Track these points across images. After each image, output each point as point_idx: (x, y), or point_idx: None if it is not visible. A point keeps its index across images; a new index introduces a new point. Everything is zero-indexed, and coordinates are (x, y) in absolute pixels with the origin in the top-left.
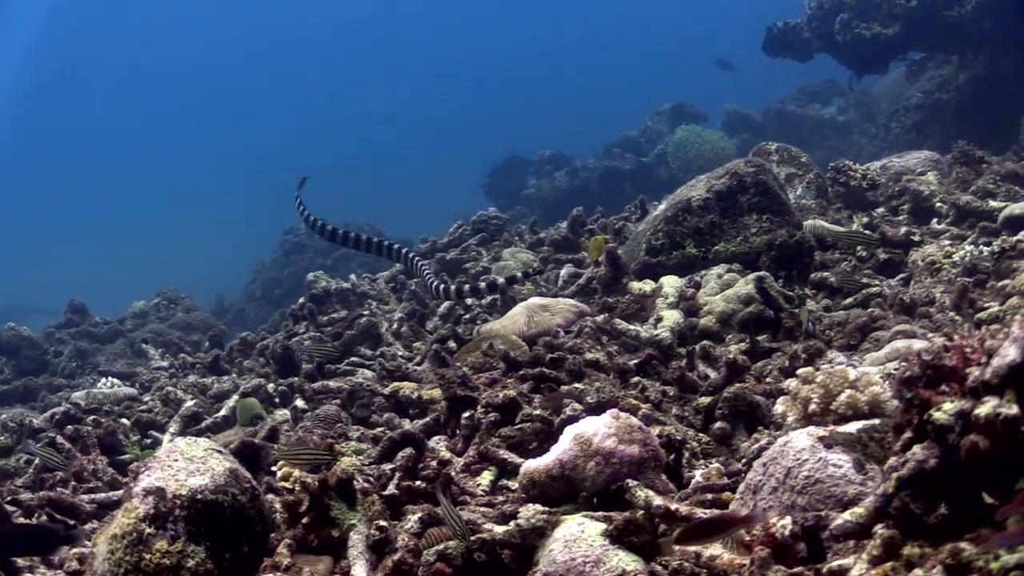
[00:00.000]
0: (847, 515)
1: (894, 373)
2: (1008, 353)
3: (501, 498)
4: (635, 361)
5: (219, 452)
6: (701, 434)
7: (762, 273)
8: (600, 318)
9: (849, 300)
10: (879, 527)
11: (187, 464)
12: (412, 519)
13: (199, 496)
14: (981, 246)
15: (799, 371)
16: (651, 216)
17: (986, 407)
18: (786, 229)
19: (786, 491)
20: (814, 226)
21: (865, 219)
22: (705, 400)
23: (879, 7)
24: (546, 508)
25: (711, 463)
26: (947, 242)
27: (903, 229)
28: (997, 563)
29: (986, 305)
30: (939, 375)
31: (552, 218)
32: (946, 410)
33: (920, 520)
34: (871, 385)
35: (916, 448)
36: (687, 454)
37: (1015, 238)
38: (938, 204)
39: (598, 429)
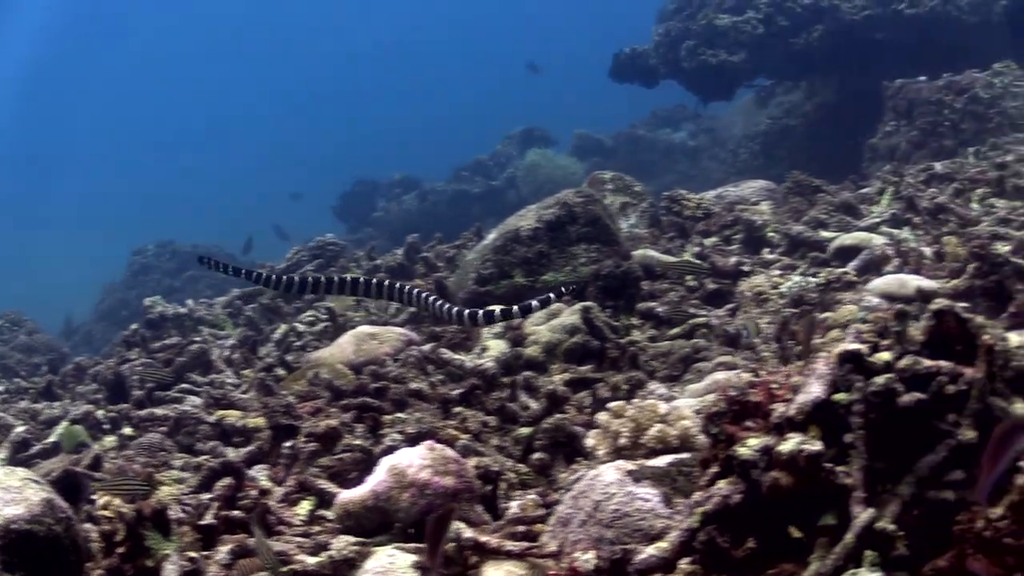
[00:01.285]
0: (651, 549)
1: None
2: (812, 390)
3: (317, 528)
4: (459, 391)
5: (36, 482)
6: (520, 465)
7: (588, 303)
8: (427, 347)
9: (676, 330)
10: (684, 561)
11: (3, 494)
12: (223, 550)
13: (13, 526)
14: (808, 277)
15: (610, 404)
16: (481, 245)
17: (789, 443)
18: (613, 259)
19: (595, 524)
20: (644, 256)
21: (696, 248)
22: (525, 431)
23: (725, 34)
24: (358, 539)
25: (528, 494)
26: (777, 272)
27: (733, 259)
28: None
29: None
30: (745, 411)
31: (401, 241)
32: (751, 446)
33: (728, 554)
34: (681, 419)
35: (721, 483)
36: (504, 485)
37: (840, 270)
38: (770, 234)
39: (413, 460)
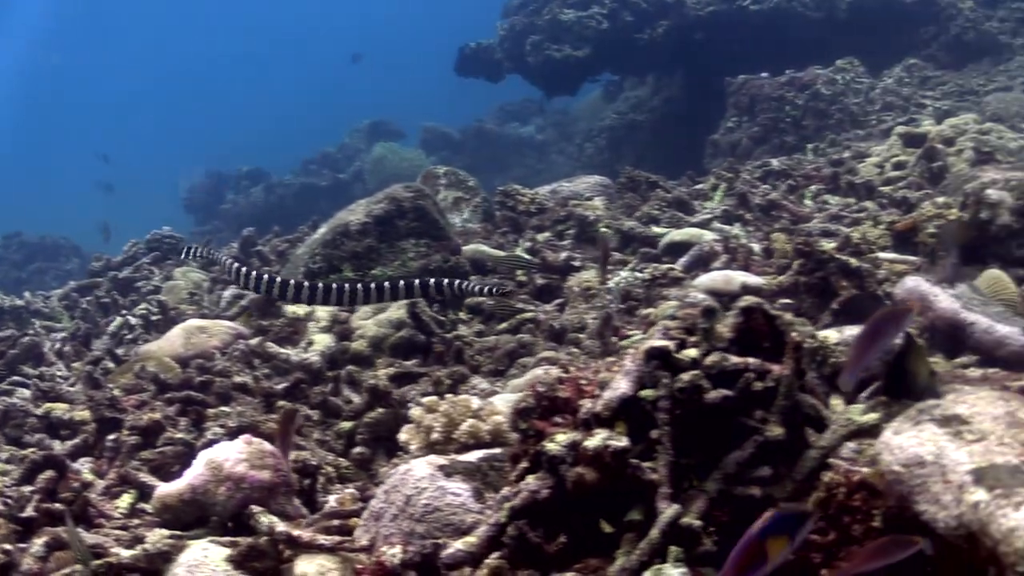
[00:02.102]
0: (459, 544)
1: None
2: (619, 386)
3: (137, 521)
4: (284, 385)
5: None
6: (341, 459)
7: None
8: (254, 341)
9: (503, 325)
10: (493, 556)
11: None
12: (37, 543)
13: None
14: (635, 272)
15: (423, 399)
16: (311, 240)
17: (595, 439)
18: (442, 254)
19: (406, 519)
20: (475, 250)
21: (528, 243)
22: (347, 425)
23: (570, 29)
24: (173, 532)
25: (346, 489)
26: (609, 267)
27: (563, 254)
28: None
29: (630, 333)
30: (554, 406)
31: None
32: (559, 441)
33: (538, 549)
34: (494, 414)
35: (530, 478)
36: (323, 479)
37: (666, 266)
38: (603, 229)
39: (230, 454)
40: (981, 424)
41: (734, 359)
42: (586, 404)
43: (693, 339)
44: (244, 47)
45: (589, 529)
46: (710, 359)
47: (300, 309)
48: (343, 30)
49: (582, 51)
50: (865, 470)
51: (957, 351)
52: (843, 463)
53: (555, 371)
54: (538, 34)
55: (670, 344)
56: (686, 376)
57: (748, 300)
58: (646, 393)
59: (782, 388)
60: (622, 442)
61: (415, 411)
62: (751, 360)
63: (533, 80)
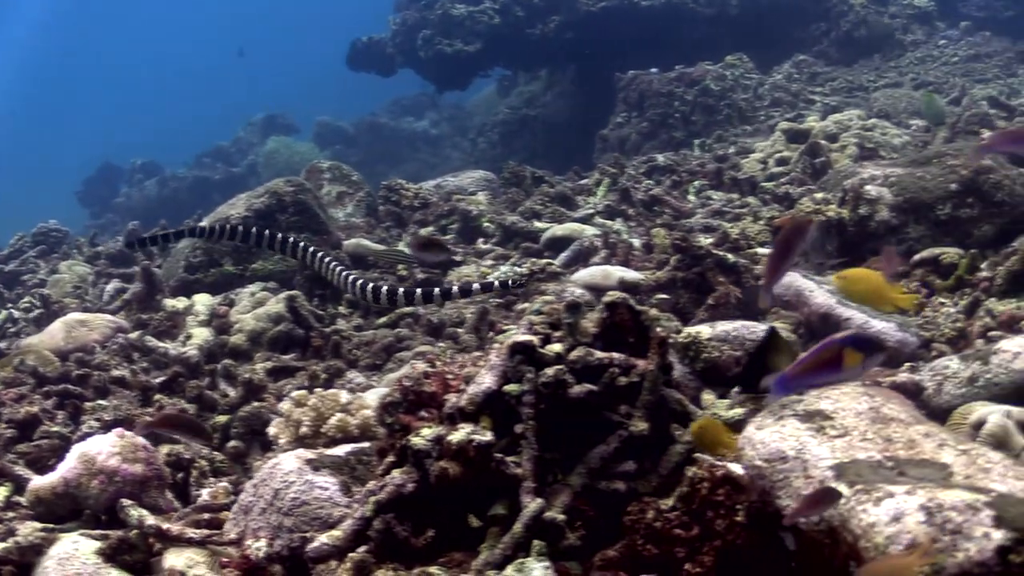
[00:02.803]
0: (324, 538)
1: None
2: (484, 381)
3: (12, 514)
4: (162, 379)
5: None
6: (216, 453)
7: (293, 292)
8: (133, 335)
9: (383, 320)
10: (361, 550)
11: None
12: None
13: None
14: (515, 267)
15: (292, 393)
16: None
17: (459, 434)
18: (323, 248)
19: (274, 512)
20: (356, 245)
21: (409, 237)
22: (222, 419)
23: (462, 24)
24: (45, 525)
25: (220, 482)
26: (490, 262)
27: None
28: None
29: (505, 328)
30: (420, 401)
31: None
32: (424, 436)
33: (405, 543)
34: (363, 408)
35: (396, 472)
36: (195, 473)
37: (544, 260)
38: (486, 224)
39: (103, 448)
40: (844, 420)
41: (599, 354)
42: (451, 399)
43: (558, 334)
44: (143, 38)
45: (457, 523)
46: (574, 354)
47: (180, 303)
48: (240, 22)
49: (473, 46)
50: (730, 465)
51: None
52: (709, 458)
53: (421, 365)
54: (429, 28)
55: (534, 339)
56: (550, 371)
57: (613, 295)
58: (510, 388)
59: (647, 383)
60: (486, 436)
61: (284, 405)
62: (616, 355)
63: (424, 74)
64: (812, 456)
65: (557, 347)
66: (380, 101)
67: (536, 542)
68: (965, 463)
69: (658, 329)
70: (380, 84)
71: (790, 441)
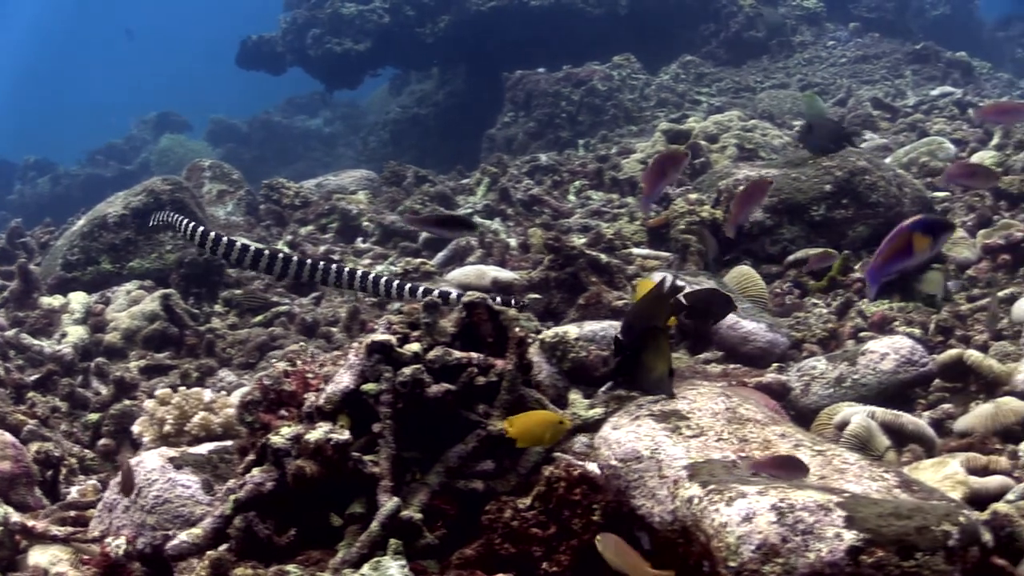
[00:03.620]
0: (184, 535)
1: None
2: (342, 380)
3: None
4: (36, 376)
5: None
6: (87, 450)
7: (168, 291)
8: (9, 332)
9: (259, 318)
10: (222, 547)
11: None
12: None
13: None
14: (392, 266)
15: (156, 392)
16: (70, 231)
17: (317, 433)
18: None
19: (138, 510)
20: None
21: (289, 237)
22: (94, 417)
23: (352, 23)
24: None
25: (89, 480)
26: (368, 261)
27: (323, 247)
28: None
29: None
30: (280, 400)
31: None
32: (283, 434)
33: (269, 541)
34: (226, 407)
35: (255, 471)
36: (64, 470)
37: (419, 260)
38: (365, 223)
39: None
40: (700, 420)
41: (457, 353)
42: (310, 398)
43: (416, 334)
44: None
45: (322, 522)
46: (433, 353)
47: (56, 301)
48: (130, 17)
49: (363, 45)
50: (588, 464)
51: (703, 347)
52: (567, 457)
53: (281, 364)
54: (319, 27)
55: (393, 338)
56: (408, 370)
57: (471, 296)
58: (368, 387)
59: (505, 382)
60: (344, 436)
61: (148, 403)
62: (474, 355)
63: (314, 73)
64: (667, 456)
65: (415, 347)
66: (275, 99)
67: (393, 541)
68: (821, 464)
69: (516, 329)
70: (275, 82)
71: (645, 441)
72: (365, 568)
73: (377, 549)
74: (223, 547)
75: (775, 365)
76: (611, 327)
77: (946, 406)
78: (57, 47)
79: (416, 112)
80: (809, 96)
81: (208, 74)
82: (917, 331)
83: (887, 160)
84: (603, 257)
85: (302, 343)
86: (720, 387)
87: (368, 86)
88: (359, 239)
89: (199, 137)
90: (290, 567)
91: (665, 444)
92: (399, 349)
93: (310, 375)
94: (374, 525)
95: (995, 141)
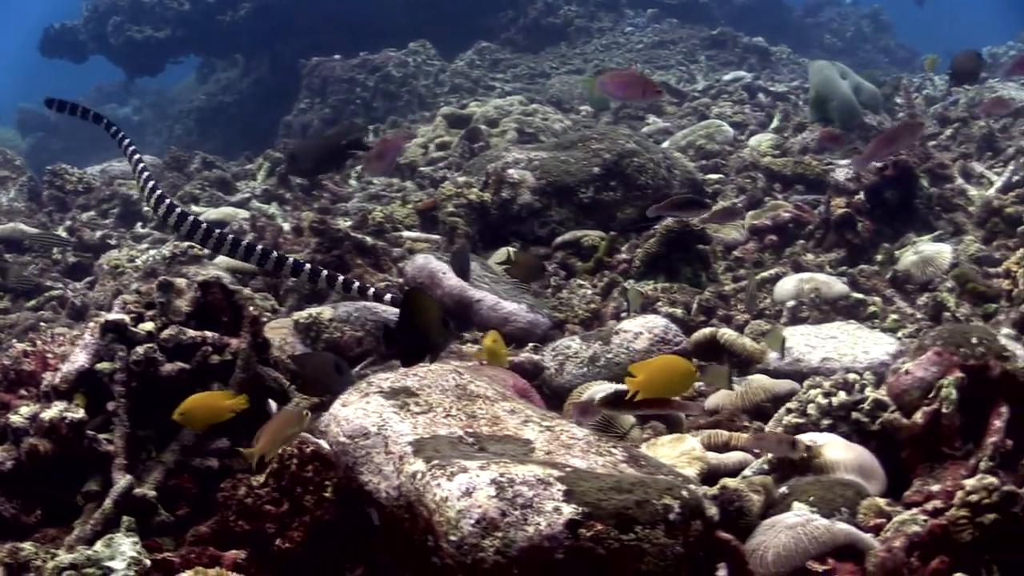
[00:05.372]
0: None
1: None
2: (77, 359)
3: None
4: None
5: None
6: None
7: None
8: None
9: (32, 302)
10: None
11: None
12: None
13: None
14: (162, 249)
15: None
16: None
17: (52, 411)
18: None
19: None
20: (12, 229)
21: (69, 222)
22: None
23: (152, 11)
24: None
25: None
26: (145, 246)
27: (99, 233)
28: (52, 562)
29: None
30: (20, 379)
31: None
32: (22, 414)
33: (16, 520)
34: None
35: None
36: None
37: (186, 243)
38: (146, 208)
39: None
40: (429, 396)
41: (191, 332)
42: (47, 377)
43: (151, 313)
44: None
45: (67, 501)
46: (167, 332)
47: None
48: None
49: (163, 32)
50: (321, 442)
51: (466, 327)
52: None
53: (20, 345)
54: (120, 15)
55: (127, 318)
56: (141, 349)
57: (205, 275)
58: (103, 366)
59: (240, 361)
60: (78, 414)
61: None
62: (209, 334)
63: (117, 61)
64: (393, 432)
65: (149, 326)
66: (83, 88)
67: (126, 518)
68: (548, 439)
69: (251, 308)
70: (83, 71)
71: (373, 417)
72: (98, 545)
73: (111, 526)
74: None
75: (530, 345)
76: (366, 308)
77: (698, 384)
78: None
79: (221, 100)
80: (588, 80)
81: (18, 63)
82: (679, 311)
83: (665, 143)
84: (368, 240)
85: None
86: (452, 365)
87: (178, 74)
88: (139, 224)
89: (8, 126)
90: (25, 544)
91: (392, 420)
92: (133, 328)
93: (49, 355)
94: (107, 503)
95: (774, 124)
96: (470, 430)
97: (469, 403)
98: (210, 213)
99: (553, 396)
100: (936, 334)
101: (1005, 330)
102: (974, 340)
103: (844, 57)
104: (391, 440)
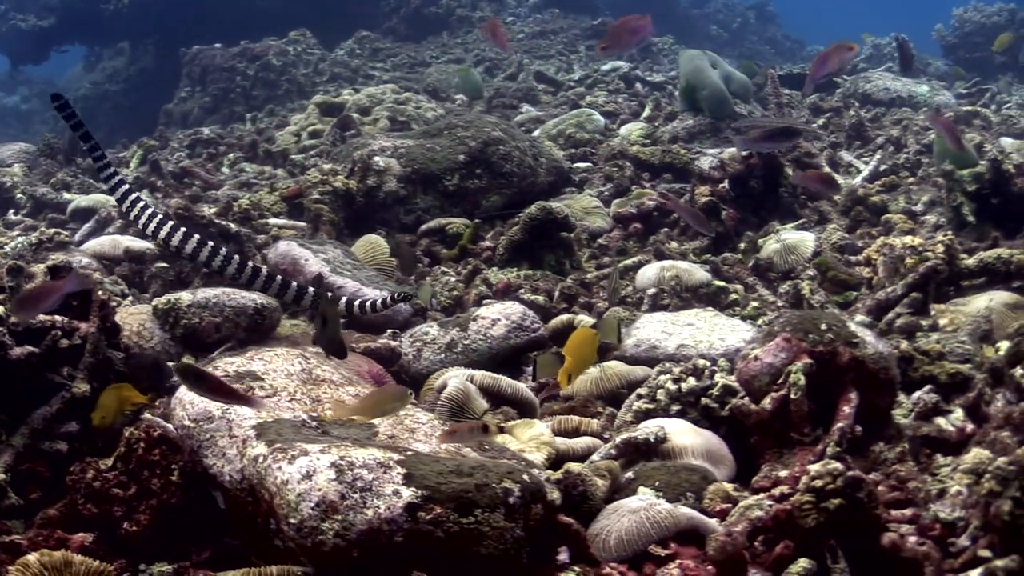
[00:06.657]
0: None
1: None
2: None
3: None
4: None
5: None
6: None
7: None
8: None
9: None
10: None
11: None
12: None
13: None
14: (29, 236)
15: None
16: None
17: None
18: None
19: None
20: None
21: None
22: None
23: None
24: None
25: None
26: (16, 232)
27: None
28: None
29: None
30: None
31: None
32: None
33: None
34: None
35: None
36: None
37: (53, 230)
38: (19, 195)
39: None
40: (275, 380)
41: (41, 316)
42: None
43: (0, 297)
44: None
45: None
46: (16, 316)
47: None
48: None
49: (47, 20)
50: (168, 425)
51: None
52: (149, 418)
53: None
54: (4, 3)
55: None
56: None
57: (54, 259)
58: None
59: (89, 345)
60: None
61: None
62: (58, 318)
63: (1, 49)
64: (237, 416)
65: None
66: None
67: None
68: (392, 423)
69: (100, 292)
70: None
71: (216, 401)
72: None
73: None
74: None
75: (388, 331)
76: (224, 294)
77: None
78: None
79: (107, 88)
80: (464, 70)
81: None
82: (542, 299)
83: (536, 132)
84: (233, 226)
85: None
86: (299, 349)
87: (67, 62)
88: (11, 211)
89: None
90: None
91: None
92: None
93: None
94: None
95: (645, 113)
96: (314, 414)
97: (314, 387)
98: (81, 201)
99: (412, 382)
100: (785, 320)
101: (859, 317)
102: (823, 326)
103: (730, 48)
104: (234, 424)
